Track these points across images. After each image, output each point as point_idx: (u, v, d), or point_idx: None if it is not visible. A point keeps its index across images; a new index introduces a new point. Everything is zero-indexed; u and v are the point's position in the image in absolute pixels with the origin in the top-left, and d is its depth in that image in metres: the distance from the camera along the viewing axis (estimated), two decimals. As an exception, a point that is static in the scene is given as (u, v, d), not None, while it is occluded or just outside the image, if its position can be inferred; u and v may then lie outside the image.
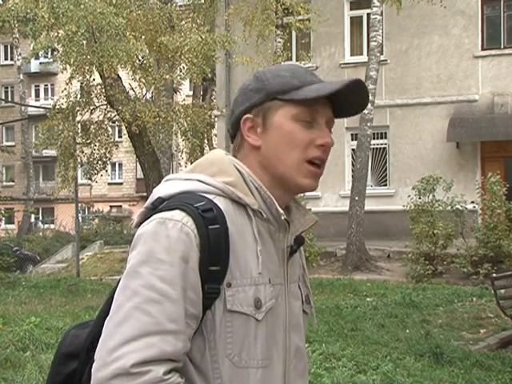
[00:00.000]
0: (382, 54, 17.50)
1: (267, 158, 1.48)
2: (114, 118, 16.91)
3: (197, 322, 1.35)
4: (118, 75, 15.44)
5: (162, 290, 1.30)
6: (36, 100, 45.44)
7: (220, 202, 1.40)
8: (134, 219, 1.57)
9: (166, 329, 1.30)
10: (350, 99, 1.49)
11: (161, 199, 1.44)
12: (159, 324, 1.29)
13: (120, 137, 35.54)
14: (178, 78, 16.60)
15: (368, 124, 15.87)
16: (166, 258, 1.32)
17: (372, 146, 17.40)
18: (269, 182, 1.48)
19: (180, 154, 19.65)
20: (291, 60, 18.96)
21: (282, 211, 1.46)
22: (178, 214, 1.36)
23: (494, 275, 9.09)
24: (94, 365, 1.31)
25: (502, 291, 8.60)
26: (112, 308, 1.34)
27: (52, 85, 45.71)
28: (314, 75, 1.53)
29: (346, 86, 1.43)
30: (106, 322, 1.33)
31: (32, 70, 44.56)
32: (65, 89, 15.42)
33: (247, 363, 1.39)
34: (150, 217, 1.41)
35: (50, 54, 25.29)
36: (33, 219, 36.38)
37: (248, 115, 1.49)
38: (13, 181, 45.19)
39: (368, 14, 17.87)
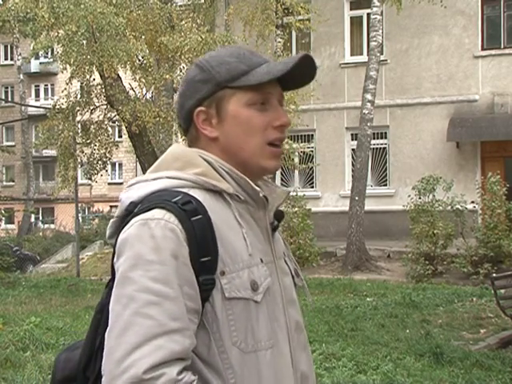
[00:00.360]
0: (382, 53, 17.51)
1: (227, 147, 1.47)
2: (114, 118, 16.88)
3: (198, 317, 1.33)
4: (118, 75, 15.42)
5: (158, 291, 1.28)
6: (36, 100, 45.42)
7: (196, 194, 1.39)
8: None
9: (170, 328, 1.27)
10: (298, 73, 1.48)
11: (134, 203, 1.41)
12: (163, 325, 1.26)
13: (120, 137, 35.50)
14: (178, 77, 16.55)
15: (368, 124, 15.87)
16: (156, 257, 1.29)
17: (372, 146, 17.39)
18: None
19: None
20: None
21: (258, 189, 1.46)
22: (158, 213, 1.34)
23: (494, 275, 9.09)
24: (102, 380, 1.27)
25: (502, 291, 8.59)
26: (110, 319, 1.30)
27: (52, 85, 45.69)
28: (258, 55, 1.52)
29: (295, 64, 1.43)
30: (106, 335, 1.30)
31: (32, 70, 44.54)
32: (65, 89, 15.40)
33: (254, 347, 1.38)
34: (126, 223, 1.37)
35: (50, 53, 25.25)
36: (33, 219, 36.34)
37: (200, 108, 1.47)
38: (13, 181, 45.18)
39: (368, 14, 17.87)
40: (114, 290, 1.33)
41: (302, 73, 1.49)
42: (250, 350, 1.37)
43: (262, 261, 1.44)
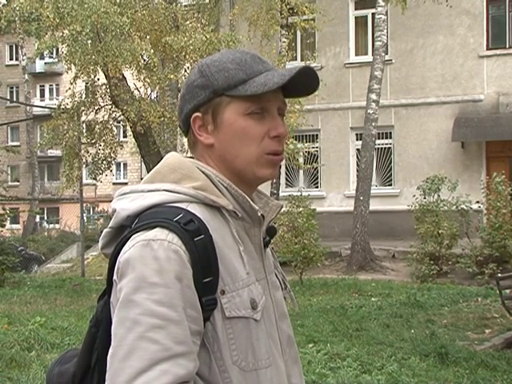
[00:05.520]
0: (386, 53, 17.48)
1: (223, 154, 1.44)
2: (119, 118, 16.90)
3: (200, 338, 1.31)
4: (123, 75, 15.43)
5: (162, 314, 1.25)
6: (41, 100, 45.51)
7: (195, 210, 1.35)
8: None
9: (175, 352, 1.24)
10: (300, 82, 1.45)
11: (130, 217, 1.38)
12: (168, 349, 1.24)
13: (125, 137, 35.47)
14: (183, 77, 16.57)
15: (373, 124, 15.86)
16: (159, 280, 1.26)
17: (377, 146, 17.39)
18: (229, 179, 1.45)
19: (185, 153, 19.62)
20: (296, 60, 18.95)
21: (257, 207, 1.44)
22: (160, 233, 1.30)
23: (499, 275, 9.08)
24: None
25: (508, 291, 8.58)
26: (113, 343, 1.27)
27: (57, 85, 45.78)
28: (262, 61, 1.47)
29: (293, 77, 1.40)
30: (109, 358, 1.26)
31: (37, 70, 44.64)
32: (69, 89, 15.43)
33: (255, 365, 1.37)
34: (124, 238, 1.35)
35: (54, 53, 25.29)
36: (38, 219, 36.41)
37: (197, 114, 1.45)
38: (18, 181, 45.25)
39: (373, 14, 17.86)
40: (116, 312, 1.29)
41: (304, 82, 1.47)
42: (250, 368, 1.36)
43: (256, 279, 1.43)
